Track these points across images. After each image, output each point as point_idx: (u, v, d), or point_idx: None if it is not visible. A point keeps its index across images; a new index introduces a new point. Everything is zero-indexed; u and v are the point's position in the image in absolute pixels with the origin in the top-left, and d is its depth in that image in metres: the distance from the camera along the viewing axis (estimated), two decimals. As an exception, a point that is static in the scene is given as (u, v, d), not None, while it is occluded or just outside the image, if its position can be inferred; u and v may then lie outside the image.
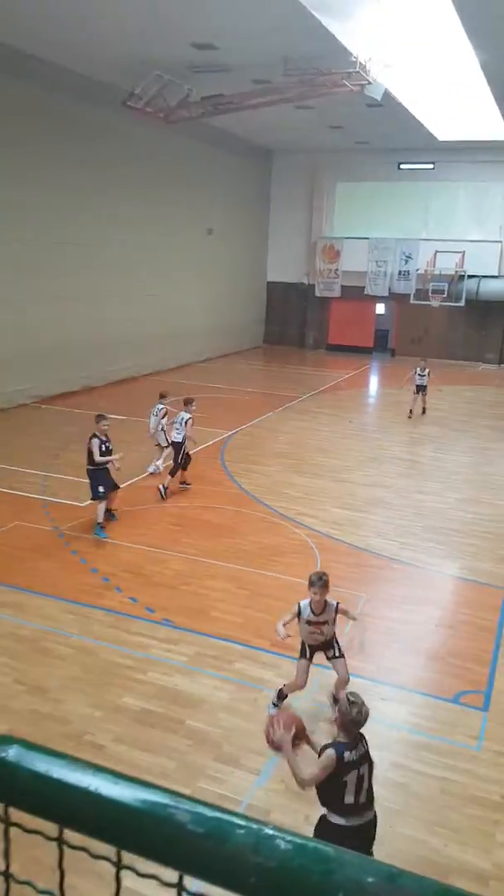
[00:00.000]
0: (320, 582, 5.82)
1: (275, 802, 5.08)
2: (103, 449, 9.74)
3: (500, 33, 12.53)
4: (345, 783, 4.06)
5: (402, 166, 26.58)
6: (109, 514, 10.10)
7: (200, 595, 8.12)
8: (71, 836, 0.66)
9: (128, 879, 0.65)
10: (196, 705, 6.14)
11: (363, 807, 4.14)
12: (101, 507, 9.78)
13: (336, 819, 4.09)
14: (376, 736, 5.87)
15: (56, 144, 17.25)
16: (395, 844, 4.76)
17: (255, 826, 0.58)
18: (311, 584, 5.83)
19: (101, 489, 9.68)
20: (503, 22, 11.92)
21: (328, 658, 6.08)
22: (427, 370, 17.43)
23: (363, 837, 4.12)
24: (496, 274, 25.78)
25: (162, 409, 12.17)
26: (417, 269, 26.45)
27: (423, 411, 17.88)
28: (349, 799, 4.06)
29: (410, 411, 17.65)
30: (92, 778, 0.62)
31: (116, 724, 5.86)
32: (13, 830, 0.71)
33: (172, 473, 11.37)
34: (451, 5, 11.38)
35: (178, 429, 11.28)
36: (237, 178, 26.36)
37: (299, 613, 5.90)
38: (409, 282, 26.73)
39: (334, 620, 5.96)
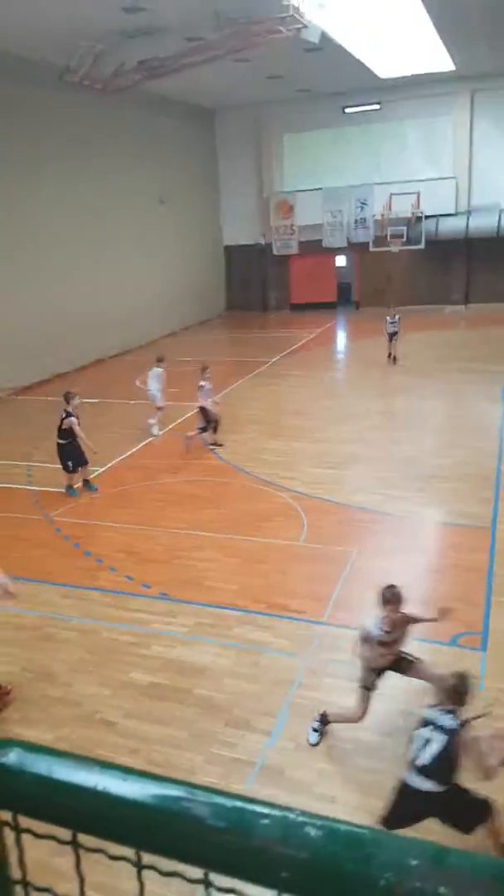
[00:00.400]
0: (395, 597, 5.04)
1: (287, 761, 5.15)
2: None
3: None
4: None
5: (347, 110, 26.02)
6: (88, 484, 10.79)
7: (193, 567, 8.13)
8: (86, 837, 0.63)
9: (151, 880, 0.61)
10: (201, 674, 6.19)
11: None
12: (74, 476, 10.64)
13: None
14: (381, 686, 5.99)
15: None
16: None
17: (279, 814, 0.54)
18: (385, 601, 5.05)
19: (70, 464, 10.46)
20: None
21: (404, 673, 5.33)
22: (398, 316, 18.01)
23: None
24: (453, 212, 25.56)
25: (160, 372, 13.14)
26: (374, 216, 26.11)
27: (395, 360, 18.00)
28: None
29: (389, 354, 18.16)
30: (99, 776, 0.58)
31: (126, 699, 5.90)
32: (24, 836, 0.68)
33: (203, 431, 12.39)
34: None
35: (202, 394, 12.38)
36: (183, 142, 25.71)
37: (367, 637, 5.14)
38: (367, 229, 26.43)
39: (406, 633, 5.22)
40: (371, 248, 26.36)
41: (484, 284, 26.39)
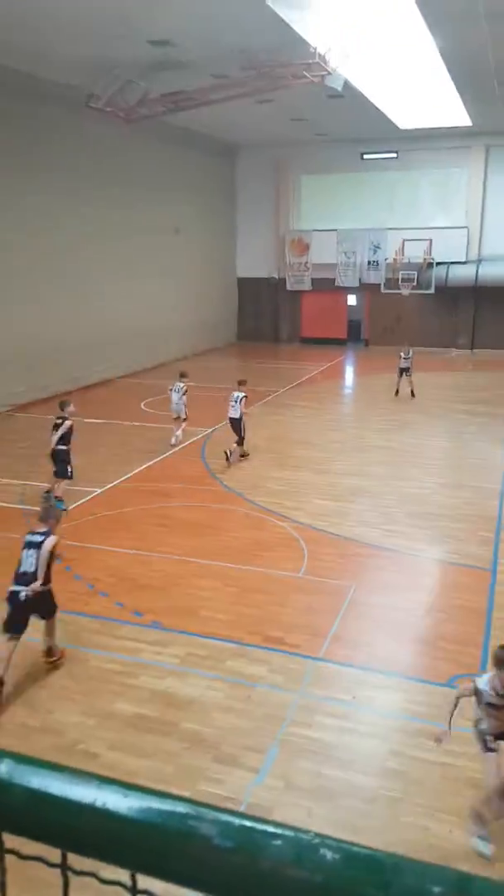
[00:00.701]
0: None
1: (275, 800, 5.01)
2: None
3: (456, 17, 12.54)
4: None
5: (365, 156, 26.56)
6: (58, 499, 10.10)
7: (188, 595, 8.02)
8: (76, 859, 0.58)
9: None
10: (190, 706, 6.05)
11: None
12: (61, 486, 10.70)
13: None
14: (372, 725, 5.87)
15: (19, 149, 16.99)
16: (399, 833, 4.72)
17: (293, 834, 0.49)
18: (499, 661, 4.57)
19: (70, 470, 10.73)
20: (459, 6, 11.93)
21: None
22: (412, 353, 18.49)
23: None
24: (464, 260, 25.95)
25: (182, 386, 14.01)
26: (386, 259, 26.52)
27: (412, 394, 18.48)
28: None
29: (397, 391, 18.61)
30: (97, 792, 0.53)
31: (110, 730, 5.75)
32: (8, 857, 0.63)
33: (239, 444, 12.92)
34: (407, -9, 11.37)
35: (233, 406, 12.83)
36: (202, 175, 26.20)
37: (476, 696, 4.69)
38: (379, 271, 26.81)
39: None
40: (382, 290, 26.70)
41: (490, 330, 26.64)
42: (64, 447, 10.66)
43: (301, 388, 20.28)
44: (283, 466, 12.81)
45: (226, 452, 12.67)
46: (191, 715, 5.93)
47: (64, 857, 0.56)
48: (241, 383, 13.22)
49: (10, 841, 0.58)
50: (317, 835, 0.51)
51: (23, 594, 6.24)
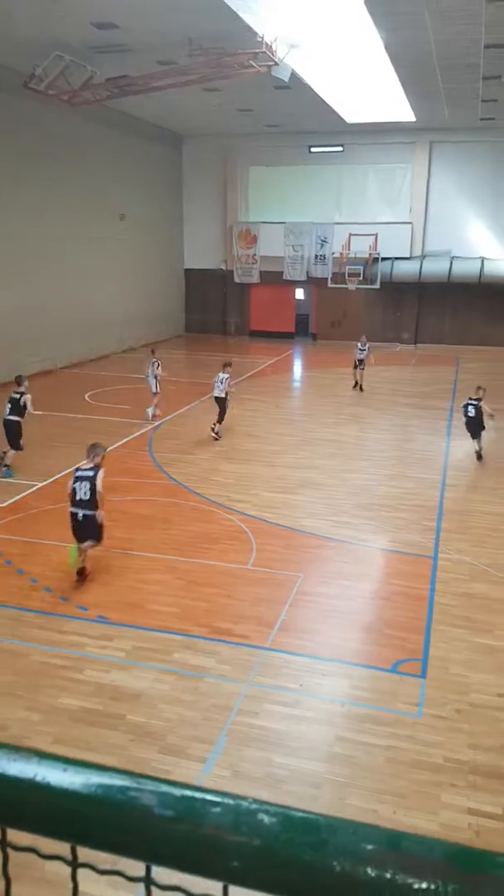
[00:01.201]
0: None
1: (224, 789, 5.00)
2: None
3: (401, 13, 12.71)
4: None
5: (312, 149, 26.72)
6: (7, 469, 11.49)
7: (136, 589, 7.96)
8: (15, 836, 0.57)
9: (87, 880, 0.56)
10: (136, 699, 6.02)
11: None
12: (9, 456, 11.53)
13: None
14: (319, 712, 5.96)
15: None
16: (346, 817, 4.81)
17: (232, 802, 0.50)
18: None
19: (21, 443, 11.45)
20: (403, 2, 12.08)
21: None
22: (367, 345, 18.81)
23: None
24: (408, 256, 26.38)
25: (155, 362, 15.62)
26: (333, 253, 26.74)
27: (360, 388, 18.83)
28: None
29: (356, 383, 18.96)
30: (37, 767, 0.53)
31: (54, 725, 5.68)
32: None
33: (220, 421, 13.97)
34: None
35: (218, 386, 13.92)
36: (148, 162, 25.88)
37: None
38: (326, 266, 27.02)
39: None
40: (329, 284, 26.94)
41: (432, 325, 27.26)
42: (17, 419, 11.33)
43: (250, 382, 20.31)
44: (232, 460, 12.83)
45: (212, 428, 13.94)
46: (137, 708, 5.90)
47: (3, 833, 0.56)
48: (226, 365, 14.29)
49: None
50: (254, 801, 0.52)
51: (81, 515, 7.90)
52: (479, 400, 12.74)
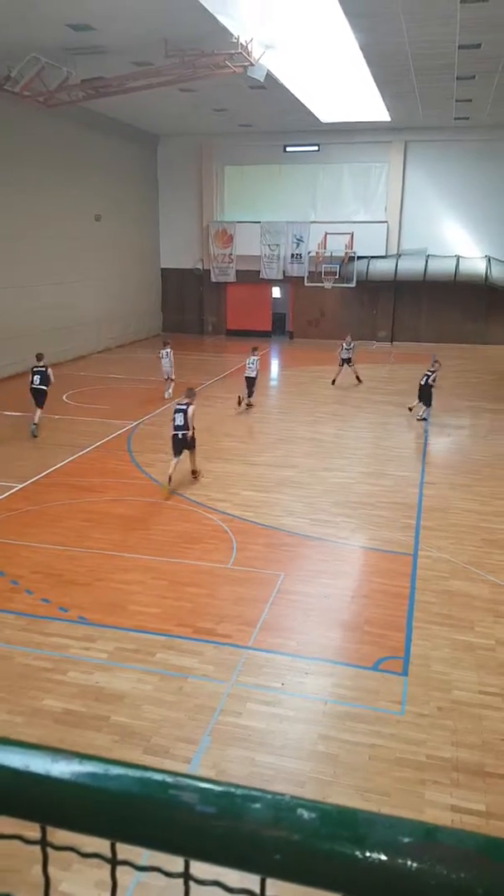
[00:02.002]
0: None
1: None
2: None
3: (376, 13, 12.80)
4: None
5: (287, 149, 26.80)
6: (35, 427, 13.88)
7: (116, 590, 7.93)
8: (55, 835, 0.58)
9: (126, 876, 0.57)
10: (120, 701, 6.00)
11: None
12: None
13: None
14: (302, 710, 5.99)
15: None
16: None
17: (271, 797, 0.51)
18: None
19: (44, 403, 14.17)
20: (378, 3, 12.16)
21: None
22: (353, 344, 19.59)
23: None
24: (383, 254, 26.57)
25: (168, 351, 17.62)
26: (309, 252, 26.83)
27: (358, 380, 19.64)
28: None
29: (334, 380, 19.52)
30: (79, 767, 0.54)
31: (38, 727, 5.64)
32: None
33: (250, 395, 16.46)
34: (328, -13, 11.50)
35: (250, 367, 16.39)
36: (123, 163, 25.74)
37: None
38: (302, 264, 27.11)
39: None
40: (306, 283, 27.03)
41: (408, 324, 27.49)
42: (45, 388, 14.14)
43: (228, 381, 20.31)
44: (211, 459, 12.82)
45: (239, 397, 16.30)
46: (121, 709, 5.89)
47: (43, 833, 0.56)
48: (254, 349, 16.70)
49: None
50: (293, 797, 0.53)
51: (180, 434, 11.11)
52: (433, 371, 15.55)
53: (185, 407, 11.23)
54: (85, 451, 13.01)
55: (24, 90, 15.83)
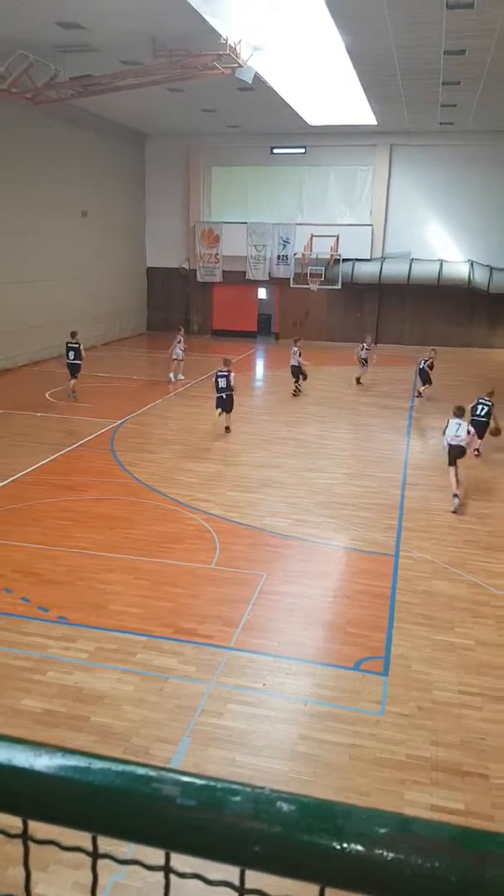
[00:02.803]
0: None
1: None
2: None
3: (363, 16, 12.86)
4: None
5: (274, 150, 26.87)
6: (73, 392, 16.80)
7: (97, 589, 7.90)
8: (36, 830, 0.58)
9: (103, 875, 0.57)
10: (100, 700, 5.98)
11: None
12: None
13: None
14: (282, 711, 6.00)
15: None
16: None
17: (251, 790, 0.52)
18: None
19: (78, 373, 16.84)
20: (366, 5, 12.23)
21: None
22: (374, 344, 20.70)
23: None
24: (368, 257, 26.72)
25: (180, 338, 19.67)
26: (295, 254, 26.92)
27: (358, 382, 20.02)
28: None
29: (357, 379, 20.12)
30: (62, 761, 0.54)
31: (17, 728, 5.60)
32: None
33: (297, 381, 18.44)
34: (316, -10, 11.55)
35: (293, 357, 18.17)
36: (111, 162, 25.65)
37: None
38: (288, 266, 27.20)
39: None
40: (291, 285, 27.11)
41: (393, 326, 27.66)
42: (79, 362, 16.78)
43: (212, 381, 20.28)
44: (195, 458, 12.81)
45: (297, 388, 18.39)
46: (101, 709, 5.87)
47: (25, 827, 0.57)
48: (297, 340, 18.48)
49: None
50: (272, 790, 0.54)
51: (224, 395, 14.14)
52: (429, 357, 17.14)
53: (226, 373, 14.10)
54: (68, 450, 12.95)
55: (11, 87, 15.73)
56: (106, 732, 5.58)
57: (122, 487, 11.20)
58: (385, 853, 0.48)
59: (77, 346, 16.75)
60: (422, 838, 0.48)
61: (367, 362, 20.03)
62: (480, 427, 12.32)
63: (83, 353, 16.89)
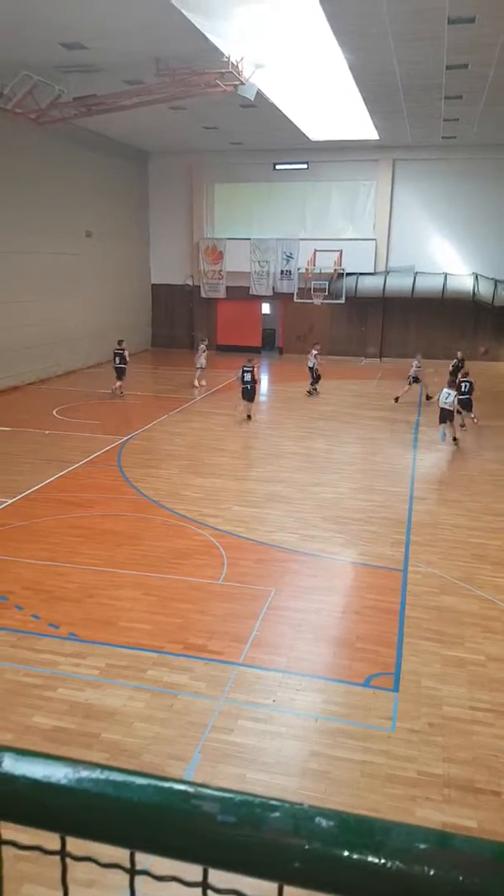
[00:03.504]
0: None
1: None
2: None
3: (364, 33, 13.01)
4: None
5: (277, 167, 27.11)
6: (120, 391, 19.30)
7: (106, 606, 7.88)
8: (74, 847, 0.58)
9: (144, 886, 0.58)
10: (111, 717, 5.95)
11: None
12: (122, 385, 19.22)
13: None
14: (293, 727, 5.96)
15: None
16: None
17: (289, 806, 0.52)
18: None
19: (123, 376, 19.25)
20: (368, 21, 12.37)
21: None
22: (422, 363, 20.56)
23: None
24: (372, 271, 26.83)
25: (203, 347, 21.53)
26: (299, 269, 27.07)
27: (427, 398, 19.77)
28: None
29: (428, 396, 19.84)
30: (101, 777, 0.55)
31: (27, 745, 5.56)
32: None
33: (314, 384, 20.58)
34: (318, 5, 11.69)
35: (310, 359, 20.52)
36: (114, 180, 25.91)
37: None
38: (292, 281, 27.34)
39: None
40: (295, 300, 27.24)
41: (397, 340, 27.70)
42: (124, 366, 19.34)
43: (217, 396, 20.36)
44: (201, 474, 12.82)
45: (313, 388, 20.47)
46: (112, 726, 5.84)
47: (63, 844, 0.57)
48: (315, 344, 21.24)
49: (9, 833, 0.58)
50: (311, 806, 0.54)
51: (249, 386, 16.65)
52: (419, 367, 19.18)
53: (251, 367, 16.82)
54: (75, 467, 12.98)
55: (16, 108, 15.95)
56: (117, 749, 5.55)
57: (129, 504, 11.21)
58: (426, 869, 0.48)
59: (122, 351, 19.26)
60: (462, 854, 0.48)
61: (417, 380, 19.79)
62: (465, 403, 16.03)
63: (128, 357, 19.43)
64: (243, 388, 16.80)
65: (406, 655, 7.00)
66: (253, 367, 16.89)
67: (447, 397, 15.06)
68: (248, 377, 16.67)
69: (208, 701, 6.22)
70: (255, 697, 6.32)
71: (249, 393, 16.79)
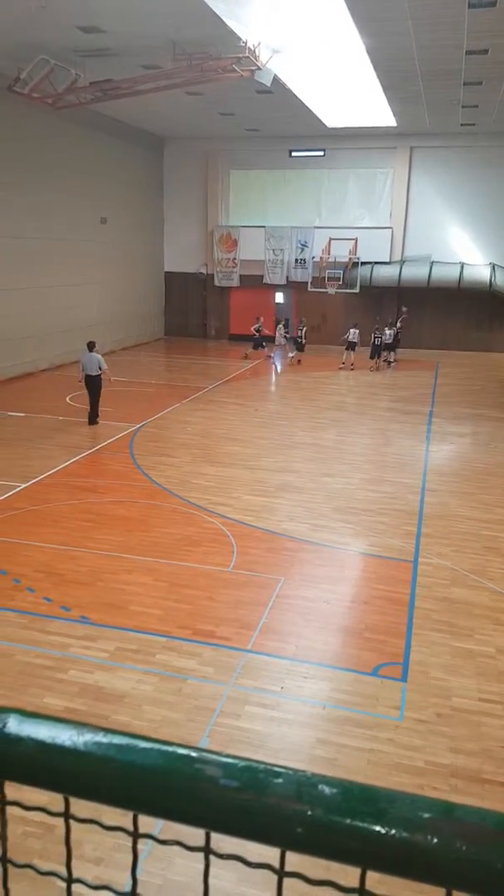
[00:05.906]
0: None
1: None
2: None
3: (384, 17, 12.85)
4: None
5: (293, 153, 26.87)
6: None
7: (117, 590, 7.94)
8: (77, 809, 0.59)
9: (145, 851, 0.58)
10: (120, 700, 6.00)
11: None
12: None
13: None
14: (301, 714, 5.99)
15: None
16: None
17: (293, 773, 0.52)
18: None
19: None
20: (387, 4, 12.21)
21: None
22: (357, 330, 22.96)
23: None
24: (387, 260, 26.62)
25: (281, 328, 25.11)
26: (313, 257, 26.90)
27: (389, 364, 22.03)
28: None
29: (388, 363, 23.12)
30: (105, 740, 0.55)
31: (37, 728, 5.64)
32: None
33: (299, 351, 23.90)
34: (337, -6, 11.56)
35: (351, 334, 23.16)
36: (129, 166, 25.83)
37: None
38: (306, 269, 27.17)
39: None
40: (309, 289, 27.07)
41: (412, 330, 27.45)
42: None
43: (230, 385, 20.34)
44: (212, 463, 12.83)
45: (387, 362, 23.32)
46: (121, 708, 5.89)
47: (67, 806, 0.57)
48: (356, 325, 23.36)
49: (13, 793, 0.58)
50: (313, 774, 0.54)
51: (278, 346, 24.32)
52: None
53: (279, 352, 22.09)
54: (88, 453, 13.04)
55: (32, 92, 15.91)
56: (126, 731, 5.60)
57: (140, 490, 11.25)
58: (429, 837, 0.48)
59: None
60: (467, 825, 0.48)
61: (353, 346, 23.13)
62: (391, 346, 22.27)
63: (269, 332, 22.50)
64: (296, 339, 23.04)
65: (415, 646, 6.99)
66: (260, 326, 21.30)
67: (353, 335, 22.28)
68: (277, 358, 21.18)
69: (217, 686, 6.25)
70: (263, 684, 6.34)
71: (299, 345, 22.66)
